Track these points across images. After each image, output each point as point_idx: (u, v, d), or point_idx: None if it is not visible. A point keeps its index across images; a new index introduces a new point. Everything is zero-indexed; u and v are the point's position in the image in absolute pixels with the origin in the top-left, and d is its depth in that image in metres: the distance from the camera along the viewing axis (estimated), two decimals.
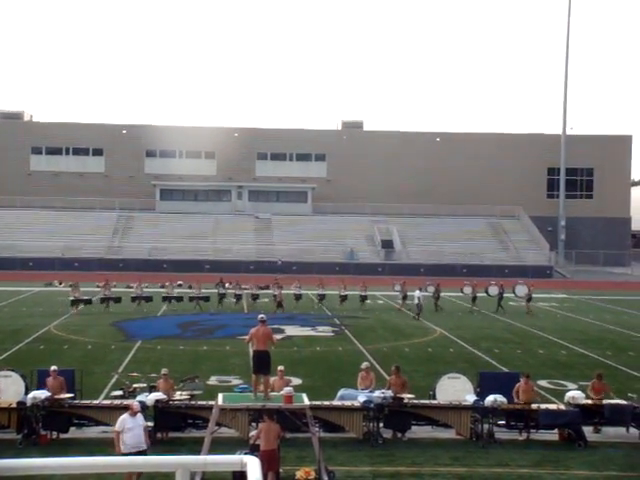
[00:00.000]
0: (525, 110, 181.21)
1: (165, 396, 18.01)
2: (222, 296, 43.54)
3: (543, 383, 24.05)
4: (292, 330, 35.01)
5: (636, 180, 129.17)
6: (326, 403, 18.08)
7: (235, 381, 23.20)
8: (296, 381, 22.32)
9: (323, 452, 15.15)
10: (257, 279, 46.44)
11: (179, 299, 42.82)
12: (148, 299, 42.25)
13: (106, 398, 19.89)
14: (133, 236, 74.17)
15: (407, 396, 18.77)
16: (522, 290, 44.05)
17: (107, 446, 16.86)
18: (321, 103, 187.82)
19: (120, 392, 19.38)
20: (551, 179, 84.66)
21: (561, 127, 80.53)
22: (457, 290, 45.78)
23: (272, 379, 17.39)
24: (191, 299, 42.80)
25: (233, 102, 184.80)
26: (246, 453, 13.40)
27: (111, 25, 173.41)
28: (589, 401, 19.09)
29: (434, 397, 19.30)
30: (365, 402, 17.71)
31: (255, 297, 43.63)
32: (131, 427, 14.52)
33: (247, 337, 16.03)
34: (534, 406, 18.61)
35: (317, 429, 16.12)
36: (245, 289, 44.44)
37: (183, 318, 38.82)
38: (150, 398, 17.78)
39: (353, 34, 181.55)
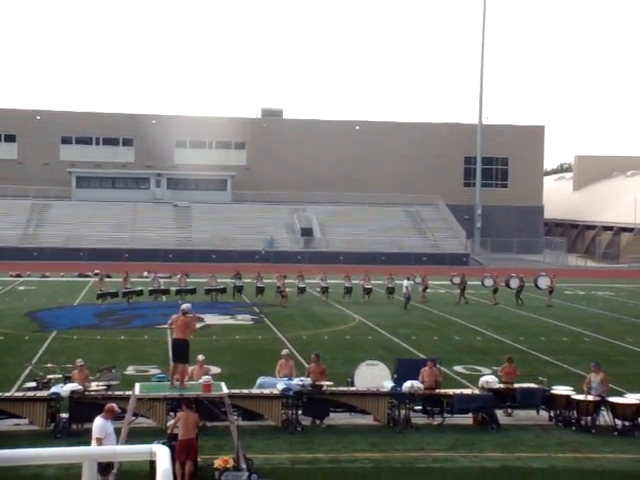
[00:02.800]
0: (443, 100, 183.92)
1: (80, 387, 17.72)
2: (239, 288, 42.16)
3: (458, 368, 24.55)
4: (211, 319, 34.84)
5: (548, 170, 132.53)
6: (245, 391, 18.07)
7: (153, 371, 22.99)
8: (215, 370, 22.27)
9: (242, 440, 15.15)
10: (277, 268, 44.58)
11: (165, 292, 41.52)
12: (165, 292, 41.19)
13: (19, 390, 19.46)
14: (48, 224, 72.52)
15: (326, 383, 18.91)
16: (544, 282, 43.21)
17: (20, 439, 16.53)
18: (240, 91, 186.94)
19: (34, 383, 18.97)
20: (468, 168, 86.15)
21: (477, 117, 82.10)
22: (381, 278, 45.72)
23: (191, 368, 17.32)
24: (207, 291, 41.47)
25: (151, 88, 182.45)
26: (163, 443, 13.32)
27: (22, 8, 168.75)
28: (502, 385, 19.58)
29: (352, 384, 19.51)
30: (284, 390, 17.78)
31: (281, 291, 40.19)
32: (110, 432, 13.32)
33: (169, 322, 15.94)
34: (450, 391, 18.99)
35: (236, 417, 16.11)
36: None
37: (101, 308, 38.17)
38: (65, 389, 17.46)
39: (272, 22, 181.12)
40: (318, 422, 18.45)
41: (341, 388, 19.01)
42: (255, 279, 42.56)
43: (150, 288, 41.07)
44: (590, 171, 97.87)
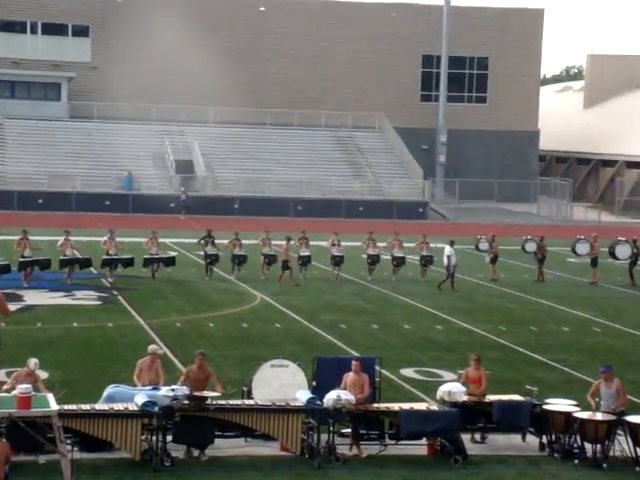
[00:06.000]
0: None
1: None
2: (212, 259, 40.28)
3: (408, 372, 24.85)
4: (34, 297, 34.47)
5: (548, 76, 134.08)
6: (86, 407, 17.98)
7: None
8: (42, 375, 22.07)
9: None
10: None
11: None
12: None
13: None
14: None
15: (211, 394, 18.89)
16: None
17: None
18: None
19: None
20: (427, 73, 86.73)
21: None
22: (285, 232, 45.19)
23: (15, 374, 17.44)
24: (146, 262, 39.65)
25: None
26: None
27: None
28: (471, 397, 19.76)
29: (250, 395, 19.58)
30: (145, 404, 17.73)
31: (271, 259, 40.74)
32: None
33: None
34: (395, 406, 19.15)
35: (70, 448, 16.03)
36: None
37: None
38: None
39: None
40: (197, 453, 18.50)
41: (233, 401, 19.07)
42: (261, 241, 41.07)
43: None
44: (610, 78, 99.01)
